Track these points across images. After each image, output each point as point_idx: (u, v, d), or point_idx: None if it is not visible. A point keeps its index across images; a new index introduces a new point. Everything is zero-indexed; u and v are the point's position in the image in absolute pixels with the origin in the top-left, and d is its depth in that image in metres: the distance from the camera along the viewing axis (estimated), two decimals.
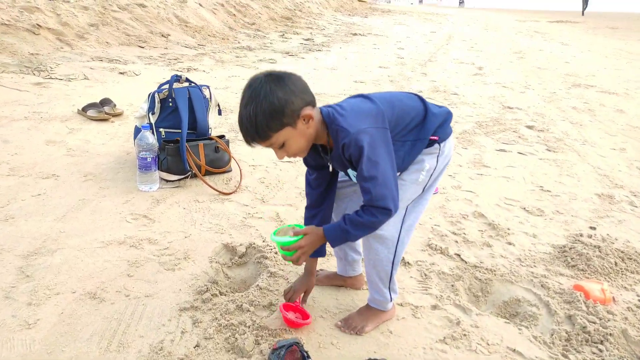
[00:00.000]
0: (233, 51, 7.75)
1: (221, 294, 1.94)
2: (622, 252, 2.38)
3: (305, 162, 1.72)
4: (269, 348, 1.61)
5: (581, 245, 2.42)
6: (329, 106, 1.56)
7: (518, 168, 3.55)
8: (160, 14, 8.33)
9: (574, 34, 15.70)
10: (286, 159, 1.58)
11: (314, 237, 1.57)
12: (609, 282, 2.16)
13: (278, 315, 1.75)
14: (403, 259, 2.20)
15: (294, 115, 1.41)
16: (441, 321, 1.84)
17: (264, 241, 2.31)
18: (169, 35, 7.81)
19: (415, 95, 1.67)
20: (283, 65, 6.92)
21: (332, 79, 6.26)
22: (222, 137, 3.12)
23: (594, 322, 1.85)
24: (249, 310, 1.80)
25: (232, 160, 3.10)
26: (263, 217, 2.57)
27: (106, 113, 3.88)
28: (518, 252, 2.38)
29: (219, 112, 3.22)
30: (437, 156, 1.65)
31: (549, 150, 3.96)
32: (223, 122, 4.11)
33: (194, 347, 1.62)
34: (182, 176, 2.87)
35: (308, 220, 1.76)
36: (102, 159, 3.15)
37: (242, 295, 1.90)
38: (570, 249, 2.39)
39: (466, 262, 2.25)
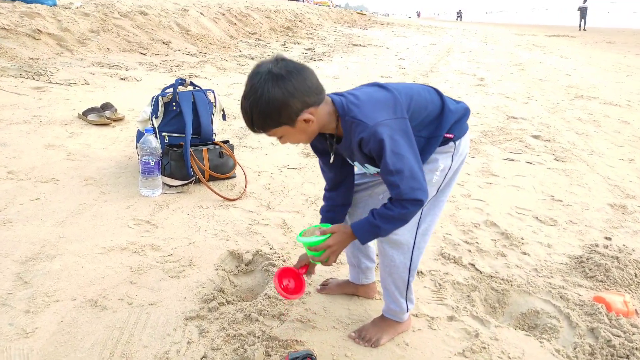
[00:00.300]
0: (234, 59, 7.71)
1: (228, 302, 1.85)
2: None
3: (313, 146, 1.65)
4: None
5: (598, 255, 2.34)
6: (342, 95, 1.48)
7: (527, 177, 3.48)
8: (162, 21, 8.31)
9: (572, 48, 15.78)
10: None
11: (342, 235, 1.50)
12: (630, 294, 2.09)
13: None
14: None
15: (292, 116, 1.35)
16: (459, 333, 1.76)
17: (271, 248, 2.22)
18: (170, 42, 7.77)
19: (433, 88, 1.60)
20: None
21: (334, 88, 6.21)
22: (226, 142, 3.05)
23: (619, 336, 1.77)
24: (257, 320, 1.72)
25: (237, 166, 3.02)
26: (270, 224, 2.49)
27: (107, 118, 3.81)
28: (534, 262, 2.30)
29: (224, 117, 3.15)
30: (452, 155, 1.57)
31: (557, 160, 3.90)
32: (226, 129, 4.04)
33: (201, 359, 1.53)
34: (186, 182, 2.79)
35: (328, 201, 1.69)
36: (103, 164, 3.07)
37: (250, 304, 1.82)
38: (587, 259, 2.32)
39: (481, 272, 2.18)
